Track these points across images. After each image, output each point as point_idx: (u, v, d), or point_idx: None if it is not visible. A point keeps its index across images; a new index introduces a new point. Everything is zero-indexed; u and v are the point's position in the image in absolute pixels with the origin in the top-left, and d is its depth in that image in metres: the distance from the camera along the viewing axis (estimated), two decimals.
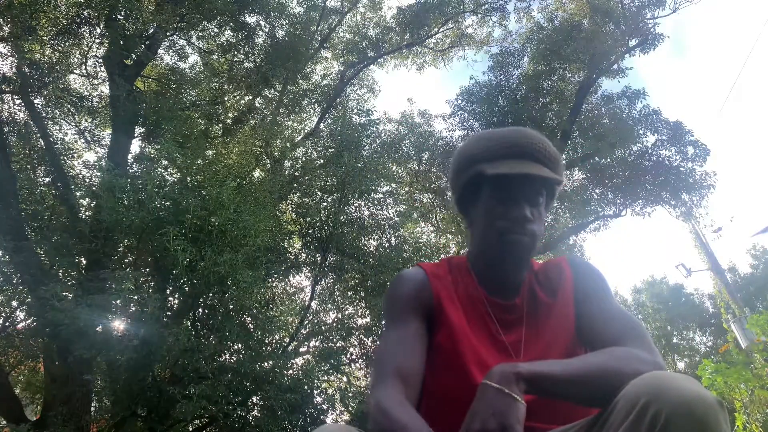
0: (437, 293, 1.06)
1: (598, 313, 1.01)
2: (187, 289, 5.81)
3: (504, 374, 0.78)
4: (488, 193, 1.04)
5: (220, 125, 9.30)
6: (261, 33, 8.89)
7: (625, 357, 0.83)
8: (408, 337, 1.00)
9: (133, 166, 7.16)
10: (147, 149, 7.73)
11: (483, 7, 10.73)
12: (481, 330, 1.04)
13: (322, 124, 9.48)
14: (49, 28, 7.00)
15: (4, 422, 5.76)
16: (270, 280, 6.89)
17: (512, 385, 0.76)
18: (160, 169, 6.63)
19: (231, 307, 5.76)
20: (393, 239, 7.75)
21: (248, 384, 5.31)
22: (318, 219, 7.56)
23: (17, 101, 6.98)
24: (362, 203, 7.89)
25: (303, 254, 7.80)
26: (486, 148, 1.05)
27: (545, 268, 1.12)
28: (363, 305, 7.24)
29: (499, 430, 0.73)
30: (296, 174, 8.53)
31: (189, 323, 5.77)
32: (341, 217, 7.33)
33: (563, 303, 1.06)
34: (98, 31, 7.22)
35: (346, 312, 7.47)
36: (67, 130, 7.77)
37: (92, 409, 6.06)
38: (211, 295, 5.87)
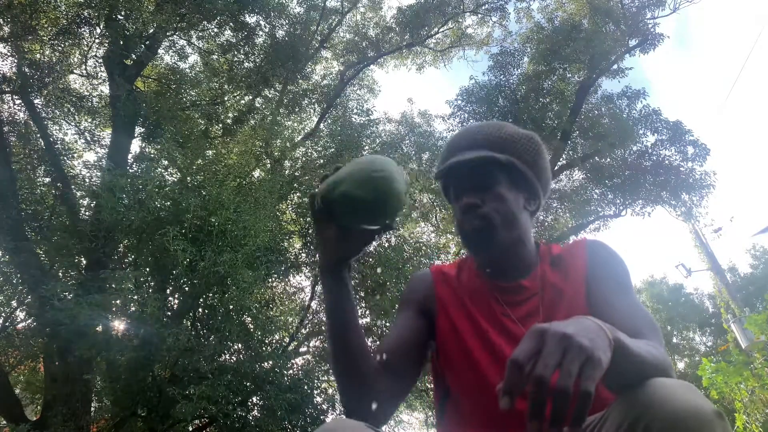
0: (440, 292, 1.11)
1: (616, 301, 0.95)
2: (187, 289, 5.81)
3: (606, 325, 0.67)
4: (449, 192, 1.12)
5: (220, 125, 9.30)
6: (261, 33, 8.90)
7: (665, 358, 0.77)
8: (398, 324, 1.09)
9: (133, 166, 7.16)
10: (147, 149, 7.73)
11: (483, 7, 10.72)
12: (482, 315, 1.04)
13: (322, 124, 9.48)
14: (49, 28, 7.00)
15: (4, 422, 5.76)
16: (270, 280, 6.89)
17: (612, 334, 0.66)
18: (160, 169, 6.63)
19: (231, 307, 5.76)
20: (393, 239, 7.75)
21: (248, 384, 5.32)
22: None
23: (17, 101, 6.98)
24: None
25: (303, 254, 7.81)
26: (441, 155, 1.14)
27: (563, 251, 1.10)
28: (363, 305, 7.24)
29: (589, 350, 0.59)
30: (296, 174, 8.53)
31: (189, 323, 5.77)
32: None
33: (574, 284, 1.02)
34: (98, 31, 7.22)
35: None
36: (67, 130, 7.79)
37: (92, 409, 6.05)
38: (211, 295, 5.86)
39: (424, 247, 7.80)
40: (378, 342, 7.05)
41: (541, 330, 0.61)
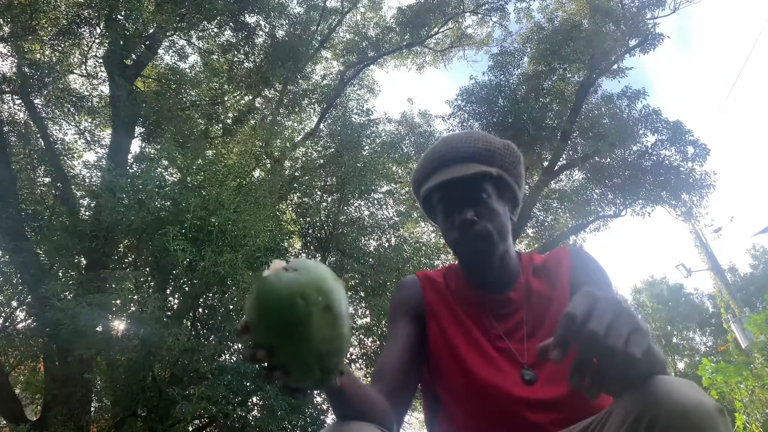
0: (428, 297, 1.10)
1: None
2: (187, 289, 5.81)
3: None
4: (436, 208, 1.08)
5: (220, 125, 9.30)
6: (261, 33, 8.90)
7: (665, 358, 0.77)
8: (395, 339, 1.05)
9: (133, 166, 7.16)
10: (147, 149, 7.73)
11: (483, 7, 10.73)
12: (475, 325, 1.04)
13: (322, 124, 9.49)
14: (49, 28, 7.00)
15: (4, 422, 5.76)
16: None
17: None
18: (160, 169, 6.63)
19: (231, 307, 5.76)
20: (393, 239, 7.76)
21: (248, 384, 5.31)
22: (318, 219, 7.56)
23: (17, 101, 6.98)
24: (362, 203, 7.90)
25: (303, 254, 7.80)
26: (421, 169, 1.11)
27: (545, 260, 1.11)
28: (363, 305, 7.23)
29: (638, 320, 0.61)
30: (296, 174, 8.53)
31: (189, 323, 5.77)
32: (341, 217, 7.33)
33: (561, 292, 1.04)
34: (98, 31, 7.23)
35: None
36: (67, 130, 7.79)
37: (92, 409, 6.05)
38: (211, 295, 5.87)
39: (424, 247, 7.80)
40: (377, 342, 7.05)
41: (593, 292, 0.64)
